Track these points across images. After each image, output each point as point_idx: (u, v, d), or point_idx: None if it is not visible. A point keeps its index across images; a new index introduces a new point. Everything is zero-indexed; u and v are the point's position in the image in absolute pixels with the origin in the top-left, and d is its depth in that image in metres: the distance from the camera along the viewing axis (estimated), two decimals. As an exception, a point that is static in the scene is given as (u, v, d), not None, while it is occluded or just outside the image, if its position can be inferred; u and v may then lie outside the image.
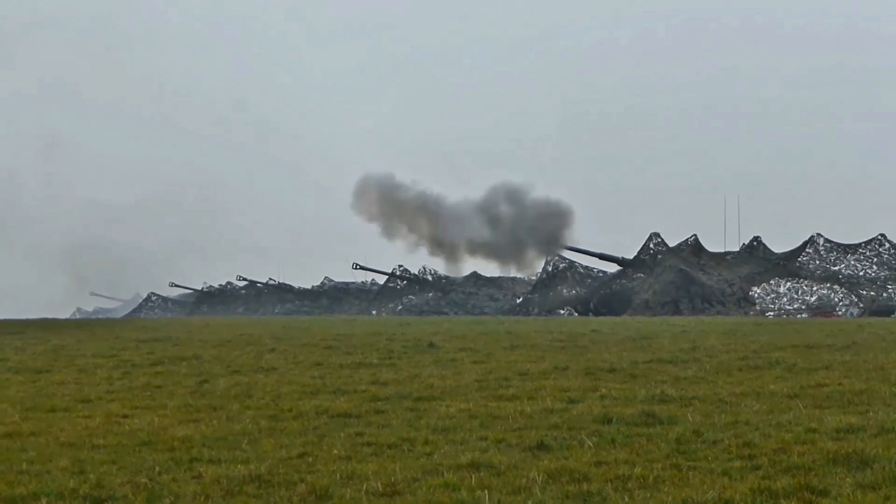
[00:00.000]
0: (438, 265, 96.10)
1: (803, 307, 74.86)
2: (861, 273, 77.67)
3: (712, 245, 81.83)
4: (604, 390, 15.75)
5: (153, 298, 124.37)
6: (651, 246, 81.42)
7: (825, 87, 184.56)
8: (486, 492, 8.93)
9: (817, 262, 78.86)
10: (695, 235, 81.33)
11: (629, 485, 9.20)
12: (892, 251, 78.39)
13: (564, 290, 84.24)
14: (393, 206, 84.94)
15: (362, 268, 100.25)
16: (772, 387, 15.88)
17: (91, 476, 9.89)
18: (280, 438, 12.03)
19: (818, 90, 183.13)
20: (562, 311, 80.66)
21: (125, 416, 14.14)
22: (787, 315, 71.02)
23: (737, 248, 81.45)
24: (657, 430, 12.00)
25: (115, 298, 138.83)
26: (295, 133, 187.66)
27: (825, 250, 79.54)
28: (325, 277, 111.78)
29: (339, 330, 36.96)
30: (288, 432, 12.48)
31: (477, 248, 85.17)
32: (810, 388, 15.60)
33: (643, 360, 20.69)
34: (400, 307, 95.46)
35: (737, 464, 9.97)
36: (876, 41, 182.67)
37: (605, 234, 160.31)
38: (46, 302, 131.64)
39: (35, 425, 13.38)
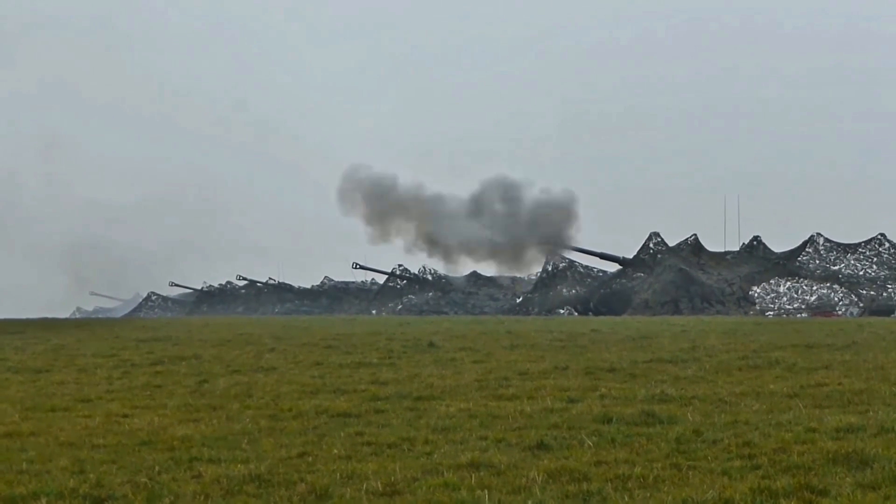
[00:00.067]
0: (438, 265, 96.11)
1: (803, 307, 74.81)
2: (861, 273, 77.63)
3: (712, 245, 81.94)
4: (604, 390, 15.75)
5: (153, 298, 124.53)
6: (651, 245, 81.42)
7: (825, 87, 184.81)
8: (486, 491, 8.93)
9: (817, 261, 78.84)
10: (695, 235, 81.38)
11: (629, 484, 9.20)
12: (892, 251, 78.36)
13: (564, 290, 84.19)
14: (378, 203, 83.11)
15: (362, 267, 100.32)
16: (772, 386, 15.88)
17: (91, 476, 9.89)
18: (280, 438, 12.03)
19: (818, 90, 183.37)
20: (562, 311, 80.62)
21: (125, 416, 14.15)
22: (787, 315, 70.98)
23: (737, 248, 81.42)
24: (657, 429, 12.00)
25: (115, 298, 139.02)
26: (295, 133, 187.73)
27: (825, 250, 79.52)
28: (325, 277, 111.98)
29: (338, 329, 36.95)
30: (288, 432, 12.49)
31: (473, 248, 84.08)
32: (810, 388, 15.60)
33: (643, 360, 20.69)
34: (400, 307, 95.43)
35: (737, 463, 9.97)
36: (876, 41, 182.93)
37: (605, 234, 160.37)
38: (46, 301, 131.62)
39: (35, 425, 13.39)
